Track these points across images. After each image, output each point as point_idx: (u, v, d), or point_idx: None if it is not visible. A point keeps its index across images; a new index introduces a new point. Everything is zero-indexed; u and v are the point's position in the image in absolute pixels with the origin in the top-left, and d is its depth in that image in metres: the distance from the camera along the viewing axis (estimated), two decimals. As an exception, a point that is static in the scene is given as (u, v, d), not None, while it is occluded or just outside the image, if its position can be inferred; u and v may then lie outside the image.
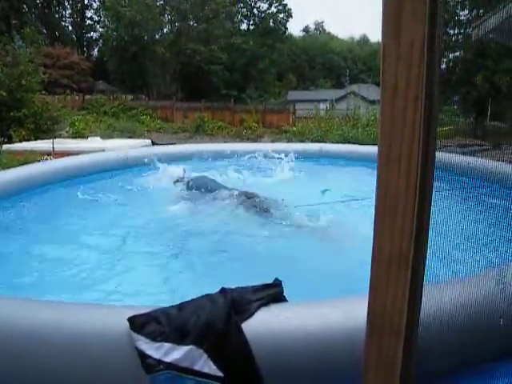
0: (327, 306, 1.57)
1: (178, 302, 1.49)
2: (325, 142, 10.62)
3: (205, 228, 3.78)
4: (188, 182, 4.91)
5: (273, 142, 13.85)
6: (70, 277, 2.76)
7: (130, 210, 4.40)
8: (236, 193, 4.38)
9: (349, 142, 10.44)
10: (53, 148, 7.75)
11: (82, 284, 2.67)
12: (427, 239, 0.89)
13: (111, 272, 2.84)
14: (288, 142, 12.94)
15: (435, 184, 0.88)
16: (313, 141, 11.68)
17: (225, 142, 14.38)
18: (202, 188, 4.58)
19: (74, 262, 3.00)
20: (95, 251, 3.26)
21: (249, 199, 4.21)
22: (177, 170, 5.43)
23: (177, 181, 5.17)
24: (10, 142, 10.03)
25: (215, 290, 1.54)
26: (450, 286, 1.42)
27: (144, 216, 4.10)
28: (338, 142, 10.43)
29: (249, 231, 3.71)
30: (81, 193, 4.60)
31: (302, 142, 12.11)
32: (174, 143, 11.89)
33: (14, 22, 22.42)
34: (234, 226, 3.83)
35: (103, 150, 7.59)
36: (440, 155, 0.90)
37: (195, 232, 3.71)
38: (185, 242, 3.49)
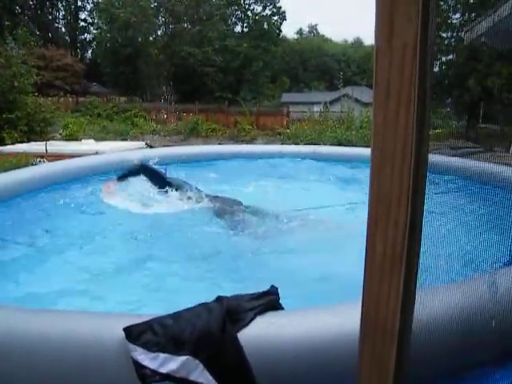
0: (323, 312, 1.57)
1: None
2: (319, 144, 10.66)
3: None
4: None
5: (266, 144, 13.86)
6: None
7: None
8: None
9: (342, 145, 10.48)
10: (46, 150, 7.71)
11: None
12: (420, 241, 0.90)
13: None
14: (282, 144, 12.96)
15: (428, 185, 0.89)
16: (307, 143, 11.71)
17: (219, 144, 14.34)
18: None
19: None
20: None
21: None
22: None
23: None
24: (3, 144, 9.95)
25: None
26: (444, 289, 1.42)
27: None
28: (331, 145, 10.47)
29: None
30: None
31: (296, 144, 12.13)
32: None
33: (6, 23, 22.24)
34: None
35: (96, 153, 7.55)
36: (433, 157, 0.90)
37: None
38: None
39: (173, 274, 2.86)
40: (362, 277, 0.91)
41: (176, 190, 4.46)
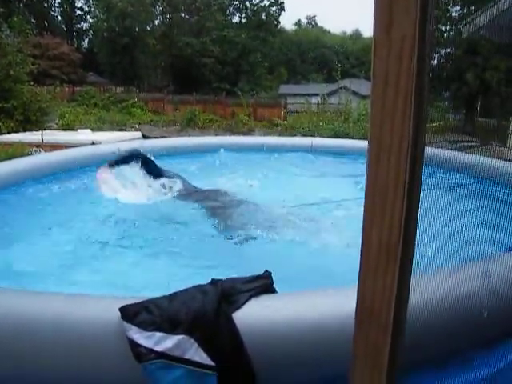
0: (317, 296, 1.58)
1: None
2: (316, 136, 10.65)
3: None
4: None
5: (264, 135, 13.83)
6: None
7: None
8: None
9: (339, 137, 10.47)
10: (42, 140, 7.68)
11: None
12: (415, 232, 0.91)
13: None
14: (279, 135, 12.94)
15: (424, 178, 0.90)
16: (304, 135, 11.70)
17: (216, 135, 14.29)
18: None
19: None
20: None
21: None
22: None
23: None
24: (-2, 133, 9.90)
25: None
26: (438, 278, 1.44)
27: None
28: (329, 137, 10.45)
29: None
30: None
31: (294, 135, 12.12)
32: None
33: (1, 10, 21.96)
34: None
35: (93, 143, 7.51)
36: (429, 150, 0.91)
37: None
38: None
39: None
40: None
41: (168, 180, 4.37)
